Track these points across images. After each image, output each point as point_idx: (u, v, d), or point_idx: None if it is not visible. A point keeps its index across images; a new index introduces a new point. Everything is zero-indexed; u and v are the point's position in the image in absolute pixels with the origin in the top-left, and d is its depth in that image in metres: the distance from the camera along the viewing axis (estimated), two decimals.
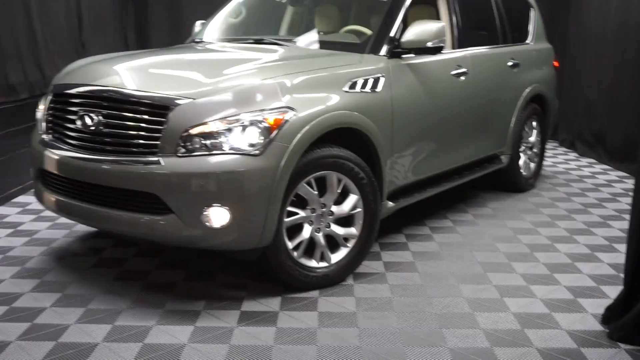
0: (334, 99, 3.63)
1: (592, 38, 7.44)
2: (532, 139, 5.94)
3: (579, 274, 3.93)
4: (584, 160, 7.28)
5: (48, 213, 4.83)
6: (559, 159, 7.36)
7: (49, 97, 3.82)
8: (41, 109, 3.89)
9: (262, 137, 3.25)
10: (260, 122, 3.26)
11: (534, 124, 5.94)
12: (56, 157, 3.57)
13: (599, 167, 6.93)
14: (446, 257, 4.18)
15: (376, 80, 3.93)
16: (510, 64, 5.44)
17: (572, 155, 7.62)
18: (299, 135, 3.35)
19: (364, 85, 3.84)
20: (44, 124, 3.80)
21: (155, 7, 8.54)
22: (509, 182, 5.76)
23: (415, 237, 4.53)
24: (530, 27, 6.04)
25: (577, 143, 7.76)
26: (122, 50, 7.95)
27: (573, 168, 6.89)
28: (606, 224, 4.91)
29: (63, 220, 4.68)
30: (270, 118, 3.29)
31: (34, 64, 5.87)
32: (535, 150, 6.01)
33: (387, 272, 3.91)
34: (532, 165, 5.98)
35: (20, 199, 5.41)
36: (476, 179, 5.22)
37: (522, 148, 5.79)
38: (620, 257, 4.05)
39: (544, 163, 6.81)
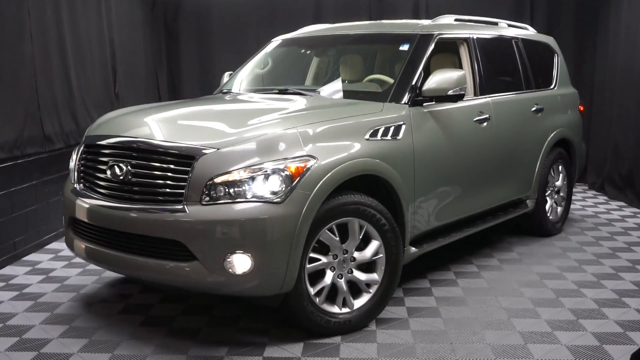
0: (356, 147, 3.71)
1: (618, 81, 7.45)
2: (559, 182, 5.92)
3: (605, 319, 3.87)
4: (614, 204, 7.20)
5: (78, 260, 4.96)
6: (588, 202, 7.29)
7: (81, 148, 3.98)
8: (74, 159, 4.05)
9: (284, 185, 3.33)
10: (283, 170, 3.35)
11: (560, 167, 5.93)
12: (86, 205, 3.70)
13: (628, 210, 6.85)
14: (470, 302, 4.16)
15: (397, 128, 4.01)
16: (533, 109, 5.48)
17: (602, 198, 7.54)
18: (320, 183, 3.42)
19: (385, 133, 3.92)
20: (75, 174, 3.95)
21: (186, 59, 8.81)
22: (536, 226, 5.73)
23: (439, 283, 4.52)
24: (554, 73, 6.09)
25: (606, 186, 7.69)
26: (154, 100, 8.21)
27: (602, 211, 6.82)
28: (635, 269, 4.85)
29: (92, 266, 4.80)
30: (292, 166, 3.38)
31: (70, 115, 6.08)
32: (562, 194, 5.98)
33: (410, 317, 3.91)
34: (559, 209, 5.95)
35: (53, 245, 5.57)
36: (502, 223, 5.22)
37: (549, 192, 5.78)
38: None
39: (573, 206, 6.77)
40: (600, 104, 8.04)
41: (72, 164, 4.05)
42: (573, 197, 6.94)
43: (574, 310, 4.03)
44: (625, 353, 3.35)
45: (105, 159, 3.71)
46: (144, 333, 3.72)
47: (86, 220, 3.72)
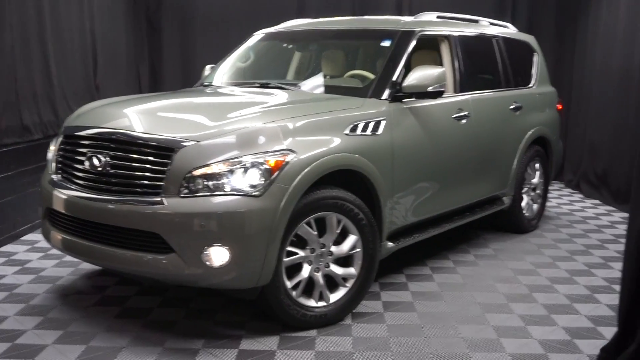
0: (335, 142, 3.73)
1: (596, 80, 7.55)
2: (535, 180, 5.99)
3: (577, 315, 3.94)
4: (589, 202, 7.31)
5: (55, 251, 4.92)
6: (564, 200, 7.39)
7: (60, 139, 3.96)
8: (52, 150, 4.02)
9: (263, 179, 3.34)
10: (262, 164, 3.36)
11: (537, 165, 6.00)
12: (64, 196, 3.69)
13: (603, 209, 6.95)
14: (445, 297, 4.21)
15: (377, 124, 4.03)
16: (512, 107, 5.54)
17: (577, 196, 7.65)
18: (299, 177, 3.44)
19: (364, 129, 3.94)
20: (53, 165, 3.93)
21: (168, 51, 8.77)
22: (512, 223, 5.80)
23: (415, 277, 4.57)
24: (534, 71, 6.15)
25: (582, 184, 7.80)
26: (135, 92, 8.17)
27: (577, 209, 6.92)
28: (607, 265, 4.93)
29: (69, 258, 4.78)
30: (272, 160, 3.39)
31: (49, 106, 6.03)
32: (538, 191, 6.06)
33: (386, 312, 3.95)
34: (535, 206, 6.02)
35: (29, 237, 5.53)
36: (479, 219, 5.28)
37: (525, 189, 5.84)
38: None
39: (548, 204, 6.86)
40: (577, 103, 8.14)
41: (50, 155, 4.03)
42: (549, 195, 7.03)
43: (546, 305, 4.09)
44: (595, 347, 3.42)
45: (83, 150, 3.69)
46: (120, 325, 3.71)
47: (63, 211, 3.70)
